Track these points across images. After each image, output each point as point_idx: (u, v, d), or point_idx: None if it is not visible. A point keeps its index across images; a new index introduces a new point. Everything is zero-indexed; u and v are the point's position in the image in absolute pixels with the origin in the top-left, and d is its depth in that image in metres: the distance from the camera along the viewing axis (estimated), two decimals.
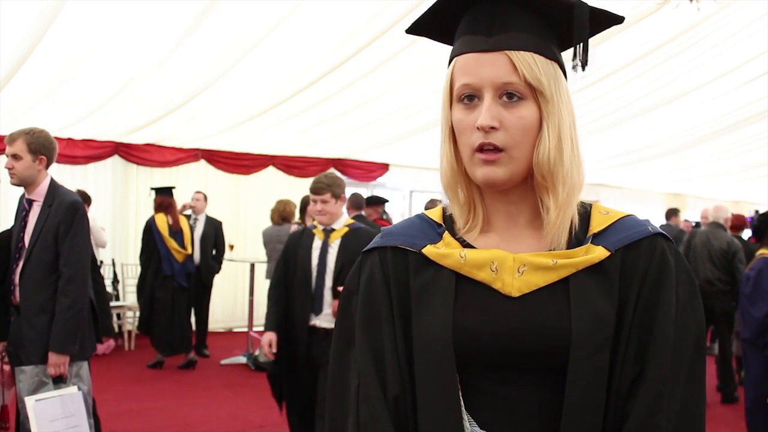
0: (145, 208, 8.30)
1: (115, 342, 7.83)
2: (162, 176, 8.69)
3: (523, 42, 1.05)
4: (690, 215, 14.15)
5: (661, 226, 5.83)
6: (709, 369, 5.22)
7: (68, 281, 3.31)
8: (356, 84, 6.60)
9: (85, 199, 6.44)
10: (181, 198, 7.99)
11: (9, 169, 3.41)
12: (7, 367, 3.64)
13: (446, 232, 1.15)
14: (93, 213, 6.55)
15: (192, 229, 7.56)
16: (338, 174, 10.14)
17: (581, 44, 1.08)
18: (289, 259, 3.94)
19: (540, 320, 1.05)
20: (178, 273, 7.05)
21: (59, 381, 3.28)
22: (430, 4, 1.13)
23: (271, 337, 3.84)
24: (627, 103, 8.00)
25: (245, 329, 8.36)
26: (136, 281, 7.51)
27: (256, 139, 8.73)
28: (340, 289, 3.55)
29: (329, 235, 3.86)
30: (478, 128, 1.05)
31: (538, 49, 1.06)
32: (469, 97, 1.07)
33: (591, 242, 1.09)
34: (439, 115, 1.15)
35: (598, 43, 5.63)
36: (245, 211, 9.52)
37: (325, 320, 3.75)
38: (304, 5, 5.02)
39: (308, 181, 10.29)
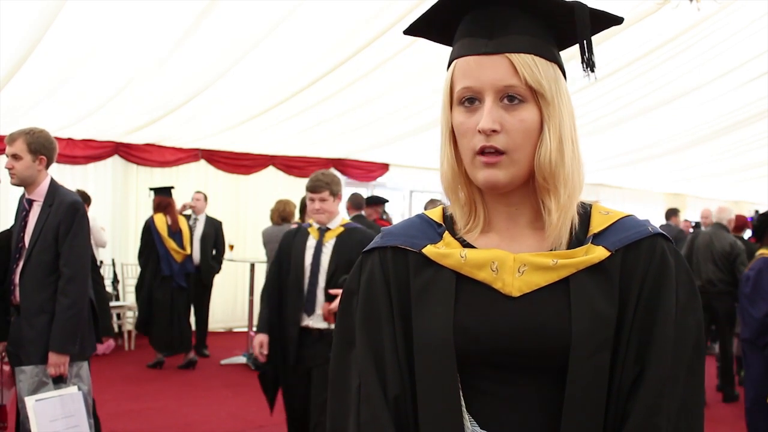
0: (145, 208, 8.30)
1: (115, 342, 7.83)
2: (162, 176, 8.69)
3: (524, 44, 1.06)
4: (690, 215, 14.15)
5: (661, 226, 5.83)
6: (709, 369, 5.18)
7: (68, 281, 3.31)
8: (356, 84, 6.60)
9: (85, 199, 6.44)
10: (181, 198, 7.99)
11: (9, 169, 3.41)
12: (7, 367, 3.64)
13: (446, 232, 1.15)
14: (93, 213, 6.55)
15: (192, 229, 7.56)
16: (336, 172, 10.21)
17: (587, 46, 1.08)
18: (282, 259, 3.86)
19: (540, 320, 1.05)
20: (177, 273, 7.04)
21: (59, 381, 3.28)
22: (430, 5, 1.13)
23: (262, 338, 3.77)
24: (627, 103, 8.00)
25: (245, 329, 8.36)
26: (135, 281, 7.51)
27: (256, 139, 8.74)
28: (331, 291, 3.53)
29: (324, 234, 3.78)
30: (479, 131, 1.05)
31: (538, 51, 1.06)
32: (470, 100, 1.07)
33: (591, 242, 1.09)
34: (439, 115, 1.15)
35: (598, 43, 5.56)
36: (245, 211, 9.52)
37: (318, 321, 3.67)
38: (304, 5, 5.03)
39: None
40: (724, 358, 6.37)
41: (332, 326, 3.58)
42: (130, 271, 8.52)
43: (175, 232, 7.10)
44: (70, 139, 7.92)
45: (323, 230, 3.78)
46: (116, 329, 8.01)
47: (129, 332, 8.06)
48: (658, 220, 10.66)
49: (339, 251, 3.70)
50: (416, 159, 10.34)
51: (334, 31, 5.56)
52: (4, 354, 3.57)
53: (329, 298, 3.54)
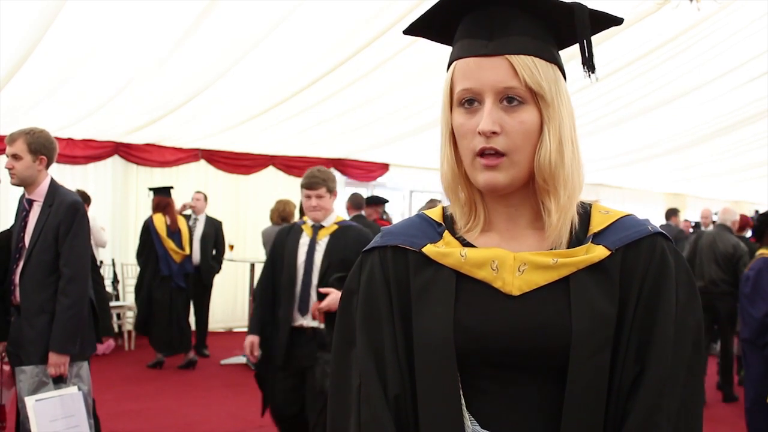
0: (144, 208, 8.30)
1: (115, 342, 7.83)
2: (162, 176, 8.69)
3: (524, 46, 1.06)
4: (690, 215, 14.16)
5: (661, 226, 5.82)
6: (709, 368, 5.18)
7: (68, 281, 3.31)
8: (356, 84, 6.60)
9: (85, 199, 6.44)
10: (180, 198, 7.99)
11: (9, 169, 3.41)
12: (6, 368, 3.64)
13: (446, 231, 1.15)
14: (93, 213, 6.55)
15: (192, 229, 7.56)
16: (336, 172, 10.21)
17: (587, 48, 1.08)
18: (276, 258, 3.79)
19: (540, 319, 1.05)
20: (176, 273, 7.04)
21: (59, 381, 3.28)
22: (430, 6, 1.13)
23: (252, 339, 3.71)
24: (627, 103, 8.00)
25: (245, 329, 8.35)
26: (135, 281, 7.52)
27: (256, 139, 8.74)
28: (322, 290, 3.47)
29: (317, 232, 3.70)
30: (479, 133, 1.05)
31: (538, 53, 1.06)
32: (470, 102, 1.07)
33: (591, 242, 1.09)
34: (439, 115, 1.15)
35: (598, 43, 5.56)
36: (245, 211, 9.53)
37: (311, 319, 3.59)
38: (304, 5, 5.02)
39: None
40: (725, 357, 6.37)
41: (316, 323, 3.53)
42: (130, 271, 8.52)
43: (174, 232, 7.09)
44: (70, 139, 7.92)
45: (317, 228, 3.71)
46: (116, 329, 8.01)
47: (129, 332, 8.06)
48: (658, 220, 10.66)
49: (332, 249, 3.63)
50: (416, 159, 10.35)
51: (334, 31, 5.56)
52: (4, 354, 3.57)
53: (320, 297, 3.48)
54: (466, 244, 1.13)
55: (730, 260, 6.12)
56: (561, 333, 1.04)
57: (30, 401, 3.06)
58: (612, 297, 1.06)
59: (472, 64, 1.07)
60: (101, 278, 6.21)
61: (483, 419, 1.07)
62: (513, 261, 1.08)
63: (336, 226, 3.72)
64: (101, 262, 7.13)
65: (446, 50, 1.16)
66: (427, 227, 1.17)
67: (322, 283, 3.57)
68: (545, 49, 1.08)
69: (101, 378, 5.83)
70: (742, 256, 6.09)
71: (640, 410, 1.03)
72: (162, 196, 7.19)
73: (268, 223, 7.66)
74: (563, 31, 1.09)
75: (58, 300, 3.30)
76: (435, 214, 1.20)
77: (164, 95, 6.71)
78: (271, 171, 9.67)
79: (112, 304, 7.54)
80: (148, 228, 7.09)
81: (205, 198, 7.87)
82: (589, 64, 1.09)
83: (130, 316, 8.19)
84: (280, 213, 7.35)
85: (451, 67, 1.11)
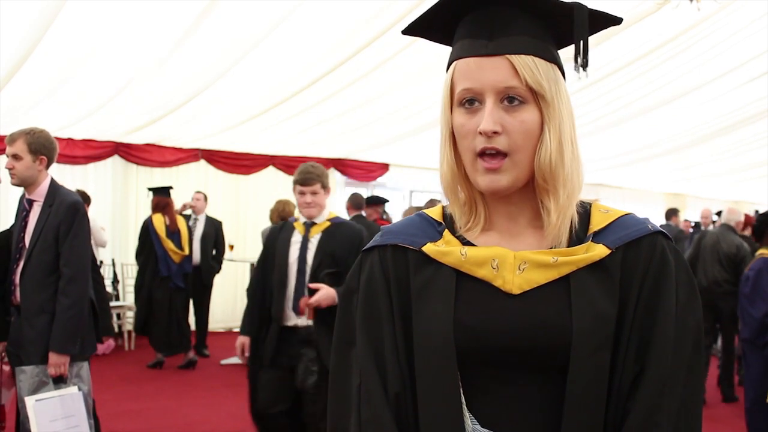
0: (144, 208, 8.29)
1: (115, 342, 7.83)
2: (162, 176, 8.69)
3: (524, 45, 1.06)
4: (690, 215, 14.16)
5: (661, 226, 5.79)
6: (710, 368, 5.16)
7: (69, 281, 3.31)
8: (356, 84, 6.60)
9: (85, 199, 6.44)
10: (180, 198, 7.99)
11: (9, 169, 3.41)
12: (6, 368, 3.64)
13: (446, 230, 1.16)
14: (93, 213, 6.55)
15: (192, 229, 7.56)
16: (336, 172, 10.20)
17: (582, 46, 1.08)
18: (267, 256, 3.71)
19: (541, 318, 1.05)
20: (175, 274, 7.04)
21: (59, 381, 3.28)
22: (429, 6, 1.13)
23: (243, 340, 3.66)
24: (627, 103, 8.00)
25: None
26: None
27: (256, 139, 8.74)
28: (311, 285, 3.41)
29: (310, 229, 3.61)
30: (480, 133, 1.05)
31: (538, 52, 1.06)
32: (470, 102, 1.07)
33: (591, 240, 1.10)
34: (439, 115, 1.15)
35: (598, 43, 5.62)
36: (245, 211, 9.52)
37: (305, 319, 3.50)
38: (304, 5, 5.02)
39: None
40: (727, 357, 6.37)
41: (310, 322, 3.46)
42: (130, 271, 8.52)
43: (173, 233, 7.09)
44: (70, 139, 7.92)
45: (309, 225, 3.62)
46: (116, 329, 8.01)
47: (129, 332, 8.05)
48: (658, 220, 10.66)
49: (324, 245, 3.55)
50: (416, 159, 10.34)
51: (334, 31, 5.56)
52: (3, 354, 3.57)
53: (310, 293, 3.43)
54: (466, 243, 1.13)
55: (733, 260, 6.12)
56: (561, 332, 1.04)
57: (30, 401, 3.06)
58: (612, 296, 1.06)
59: (472, 64, 1.07)
60: (101, 278, 6.20)
61: (483, 418, 1.07)
62: (513, 260, 1.08)
63: (328, 223, 3.64)
64: (101, 262, 7.13)
65: (446, 50, 1.16)
66: (427, 226, 1.17)
67: (313, 280, 3.49)
68: (545, 49, 1.08)
69: (101, 378, 5.83)
70: (745, 257, 6.09)
71: (640, 410, 1.03)
72: (161, 196, 7.19)
73: (268, 223, 7.66)
74: (562, 30, 1.09)
75: (58, 300, 3.30)
76: (435, 213, 1.20)
77: (164, 95, 6.71)
78: (271, 171, 9.67)
79: (112, 304, 7.54)
80: (147, 228, 7.09)
81: (205, 198, 7.87)
82: (583, 62, 1.09)
83: (130, 316, 8.18)
84: (280, 213, 7.34)
85: (451, 67, 1.11)
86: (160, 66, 5.88)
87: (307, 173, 3.57)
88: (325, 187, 3.63)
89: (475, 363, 1.08)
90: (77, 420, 3.15)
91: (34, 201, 3.43)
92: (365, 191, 9.40)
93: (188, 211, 7.75)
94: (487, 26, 1.07)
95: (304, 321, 3.51)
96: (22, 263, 3.37)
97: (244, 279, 8.79)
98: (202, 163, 9.21)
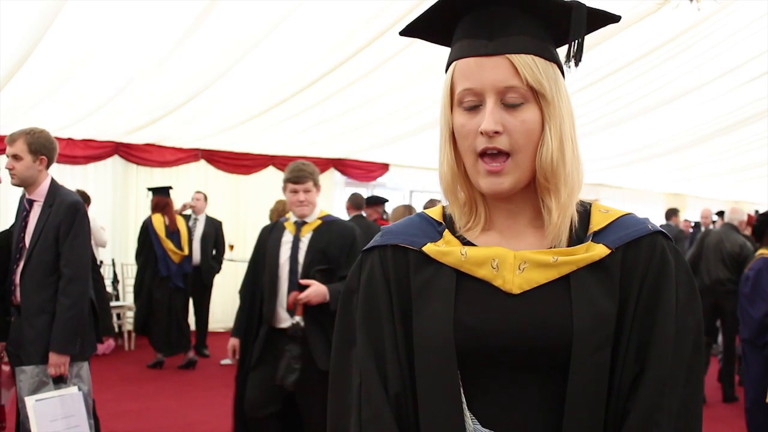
0: (144, 208, 8.30)
1: (115, 342, 7.83)
2: (162, 176, 8.69)
3: (524, 45, 1.06)
4: (690, 215, 14.16)
5: (661, 226, 5.79)
6: (710, 368, 5.14)
7: (69, 282, 3.31)
8: (356, 84, 6.60)
9: (85, 199, 6.44)
10: (180, 198, 7.99)
11: (10, 169, 3.41)
12: (6, 368, 3.64)
13: (446, 230, 1.16)
14: (93, 213, 6.55)
15: (192, 229, 7.56)
16: (336, 172, 10.20)
17: (577, 45, 1.08)
18: (258, 257, 3.65)
19: (541, 317, 1.05)
20: (175, 274, 7.04)
21: (59, 381, 3.28)
22: (428, 6, 1.12)
23: (233, 343, 3.62)
24: (627, 103, 8.00)
25: None
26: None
27: (256, 139, 8.74)
28: (302, 281, 3.34)
29: (300, 228, 3.52)
30: (481, 133, 1.05)
31: (538, 52, 1.06)
32: (471, 102, 1.07)
33: (591, 240, 1.10)
34: (439, 115, 1.15)
35: (598, 43, 5.62)
36: (245, 211, 9.52)
37: (287, 309, 3.42)
38: (304, 5, 5.02)
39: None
40: (728, 356, 6.36)
41: (297, 319, 3.35)
42: (130, 271, 8.51)
43: (172, 233, 7.09)
44: (70, 139, 7.92)
45: (300, 224, 3.55)
46: (116, 329, 8.01)
47: (129, 332, 8.06)
48: (658, 220, 10.66)
49: (315, 244, 3.47)
50: (416, 159, 10.34)
51: (334, 31, 5.56)
52: (3, 354, 3.57)
53: (301, 288, 3.34)
54: (467, 242, 1.13)
55: (736, 259, 6.12)
56: (561, 331, 1.04)
57: (30, 401, 3.06)
58: (612, 295, 1.06)
59: (472, 64, 1.07)
60: (101, 278, 6.21)
61: (484, 418, 1.07)
62: (513, 259, 1.08)
63: (319, 222, 3.56)
64: (101, 262, 7.13)
65: (446, 50, 1.15)
66: (427, 226, 1.17)
67: (305, 278, 3.43)
68: (545, 48, 1.08)
69: (101, 378, 5.83)
70: (749, 256, 6.09)
71: (640, 409, 1.03)
72: (161, 196, 7.19)
73: (267, 223, 7.65)
74: (562, 29, 1.09)
75: (58, 300, 3.30)
76: (435, 213, 1.20)
77: (164, 95, 6.71)
78: (271, 171, 9.66)
79: (112, 304, 7.53)
80: (146, 228, 7.09)
81: (205, 198, 7.87)
82: (576, 59, 1.09)
83: (130, 316, 8.18)
84: (280, 213, 7.32)
85: (451, 67, 1.11)
86: (160, 66, 5.88)
87: (300, 171, 3.50)
88: (317, 185, 3.56)
89: (475, 363, 1.08)
90: (77, 420, 3.15)
91: (35, 201, 3.43)
92: (365, 191, 9.40)
93: (188, 211, 7.75)
94: (487, 26, 1.07)
95: (295, 320, 3.40)
96: (22, 263, 3.37)
97: None
98: (202, 163, 9.21)
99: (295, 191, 3.51)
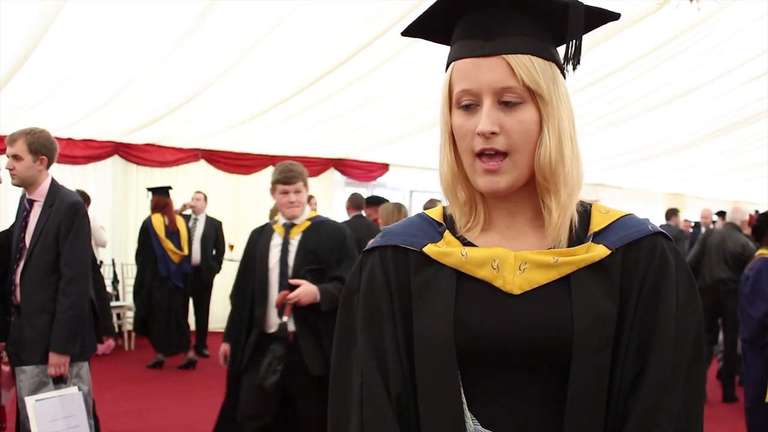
0: (144, 208, 8.29)
1: (115, 342, 7.83)
2: (162, 176, 8.69)
3: (521, 45, 1.06)
4: (690, 215, 14.16)
5: (661, 226, 5.80)
6: (711, 366, 5.11)
7: (69, 282, 3.31)
8: (356, 84, 6.60)
9: (85, 199, 6.44)
10: (180, 198, 7.99)
11: (10, 169, 3.40)
12: (6, 368, 3.64)
13: (447, 231, 1.16)
14: (93, 213, 6.55)
15: (192, 229, 7.57)
16: (336, 172, 10.20)
17: (574, 44, 1.08)
18: (248, 261, 3.56)
19: (541, 318, 1.05)
20: (174, 274, 7.04)
21: (59, 381, 3.28)
22: (428, 6, 1.13)
23: (224, 348, 3.54)
24: (627, 103, 8.00)
25: None
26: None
27: (256, 139, 8.74)
28: (292, 281, 3.26)
29: (289, 231, 3.44)
30: (478, 134, 1.05)
31: (535, 51, 1.06)
32: (468, 102, 1.07)
33: (592, 241, 1.10)
34: (439, 115, 1.15)
35: (598, 43, 5.63)
36: (245, 211, 9.52)
37: (290, 325, 3.32)
38: (304, 5, 5.02)
39: (308, 182, 10.20)
40: (729, 355, 6.36)
41: (285, 319, 3.26)
42: (130, 271, 8.51)
43: (172, 233, 7.09)
44: (70, 139, 7.92)
45: (289, 226, 3.46)
46: (116, 329, 8.01)
47: (129, 332, 8.06)
48: (658, 220, 10.66)
49: (304, 246, 3.39)
50: (416, 159, 10.34)
51: (334, 31, 5.56)
52: (3, 354, 3.57)
53: (291, 288, 3.26)
54: (467, 243, 1.13)
55: (739, 259, 6.12)
56: (562, 332, 1.04)
57: (30, 401, 3.06)
58: (613, 296, 1.06)
59: (469, 65, 1.07)
60: (101, 278, 6.21)
61: (484, 418, 1.07)
62: (514, 260, 1.08)
63: (308, 223, 3.48)
64: (101, 262, 7.13)
65: (446, 50, 1.16)
66: (428, 227, 1.17)
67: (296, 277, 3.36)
68: (543, 48, 1.08)
69: (101, 378, 5.83)
70: (751, 255, 6.09)
71: (640, 409, 1.03)
72: (160, 196, 7.19)
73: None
74: (561, 28, 1.09)
75: (58, 300, 3.29)
76: (435, 213, 1.20)
77: (164, 95, 6.71)
78: (271, 171, 9.61)
79: (112, 304, 7.53)
80: (146, 228, 7.09)
81: (205, 198, 7.87)
82: (575, 61, 1.09)
83: (130, 316, 8.18)
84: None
85: (449, 68, 1.11)
86: (160, 66, 5.88)
87: (290, 171, 3.43)
88: (306, 185, 3.50)
89: (475, 363, 1.08)
90: (77, 420, 3.15)
91: (35, 201, 3.43)
92: (365, 191, 9.41)
93: (188, 211, 7.75)
94: (484, 26, 1.07)
95: (288, 326, 3.31)
96: (22, 263, 3.37)
97: None
98: (202, 163, 9.21)
99: (286, 192, 3.43)
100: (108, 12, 4.93)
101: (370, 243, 1.21)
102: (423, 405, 1.09)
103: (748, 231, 6.61)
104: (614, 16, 1.11)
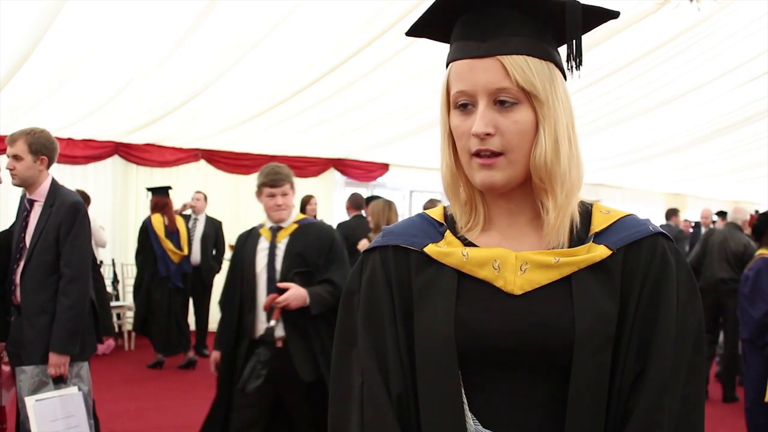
0: (144, 208, 8.29)
1: (115, 342, 7.83)
2: (162, 176, 8.69)
3: (516, 46, 1.05)
4: (690, 215, 14.16)
5: (661, 226, 5.77)
6: (711, 367, 5.11)
7: (69, 282, 3.31)
8: (356, 84, 6.60)
9: (85, 199, 6.44)
10: (180, 198, 7.99)
11: (10, 169, 3.40)
12: (6, 368, 3.64)
13: (448, 231, 1.16)
14: (93, 213, 6.55)
15: (192, 229, 7.57)
16: (336, 172, 10.19)
17: (575, 44, 1.08)
18: (236, 265, 3.47)
19: (542, 318, 1.05)
20: (174, 274, 7.04)
21: (59, 381, 3.28)
22: (428, 6, 1.13)
23: (215, 356, 3.47)
24: (627, 103, 8.00)
25: None
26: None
27: (256, 139, 8.74)
28: (280, 285, 3.20)
29: (276, 234, 3.37)
30: (473, 135, 1.05)
31: (531, 52, 1.06)
32: (464, 103, 1.08)
33: (593, 241, 1.10)
34: (439, 115, 1.16)
35: (598, 43, 5.62)
36: (245, 211, 9.51)
37: (279, 329, 3.24)
38: (304, 5, 5.02)
39: (308, 182, 10.18)
40: (729, 354, 6.36)
41: (272, 323, 3.18)
42: (129, 271, 8.51)
43: (172, 233, 7.09)
44: (70, 139, 7.92)
45: (275, 230, 3.39)
46: (116, 329, 8.01)
47: (129, 332, 8.06)
48: (658, 220, 10.66)
49: (292, 249, 3.32)
50: (416, 159, 10.35)
51: (334, 31, 5.56)
52: (3, 354, 3.57)
53: (280, 291, 3.18)
54: (468, 243, 1.13)
55: (740, 258, 6.12)
56: (563, 332, 1.04)
57: (30, 401, 3.06)
58: (614, 296, 1.06)
59: (465, 66, 1.07)
60: (102, 278, 6.21)
61: (485, 418, 1.07)
62: (515, 260, 1.08)
63: (296, 225, 3.40)
64: (101, 262, 7.13)
65: (446, 49, 1.16)
66: (429, 227, 1.17)
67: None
68: (539, 47, 1.07)
69: (101, 378, 5.82)
70: (752, 256, 6.09)
71: (641, 409, 1.03)
72: (160, 196, 7.19)
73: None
74: (560, 27, 1.09)
75: (58, 300, 3.29)
76: (436, 213, 1.20)
77: (164, 95, 6.71)
78: None
79: (112, 304, 7.53)
80: (146, 228, 7.09)
81: (205, 198, 7.87)
82: (576, 61, 1.09)
83: (130, 316, 8.18)
84: None
85: (448, 68, 1.12)
86: (160, 66, 5.88)
87: (276, 174, 3.36)
88: (293, 188, 3.43)
89: (476, 363, 1.08)
90: (77, 420, 3.15)
91: (35, 201, 3.43)
92: (365, 191, 9.41)
93: (188, 211, 7.75)
94: (480, 27, 1.07)
95: (277, 332, 3.24)
96: (22, 263, 3.37)
97: None
98: (202, 163, 9.21)
99: (273, 195, 3.36)
100: (108, 12, 4.93)
101: (371, 243, 1.21)
102: (423, 405, 1.08)
103: (749, 231, 6.62)
104: (613, 15, 1.11)
